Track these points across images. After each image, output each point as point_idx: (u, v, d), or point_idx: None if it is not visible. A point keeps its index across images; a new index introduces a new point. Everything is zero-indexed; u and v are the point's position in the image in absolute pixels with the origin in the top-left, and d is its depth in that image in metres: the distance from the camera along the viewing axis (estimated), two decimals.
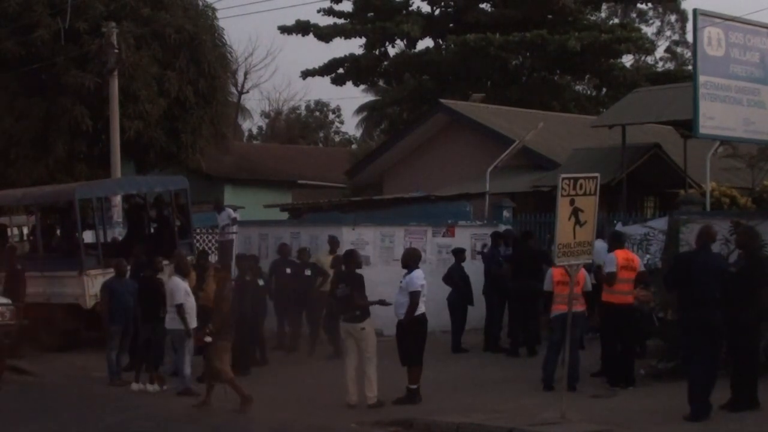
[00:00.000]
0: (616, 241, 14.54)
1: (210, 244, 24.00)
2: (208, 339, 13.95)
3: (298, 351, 18.28)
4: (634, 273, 14.14)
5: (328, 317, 17.57)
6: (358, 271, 14.15)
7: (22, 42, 25.04)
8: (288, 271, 18.68)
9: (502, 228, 20.53)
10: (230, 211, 24.11)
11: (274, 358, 17.66)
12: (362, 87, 45.40)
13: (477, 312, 18.53)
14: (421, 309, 13.57)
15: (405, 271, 13.89)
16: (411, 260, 13.97)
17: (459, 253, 18.74)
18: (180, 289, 15.11)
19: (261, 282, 17.85)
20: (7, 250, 20.09)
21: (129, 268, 16.94)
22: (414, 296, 13.43)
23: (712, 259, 12.09)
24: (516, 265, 17.70)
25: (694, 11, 18.92)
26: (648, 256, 16.62)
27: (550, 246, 18.54)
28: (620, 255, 14.14)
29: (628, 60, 44.42)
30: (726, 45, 18.78)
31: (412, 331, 13.56)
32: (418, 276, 13.61)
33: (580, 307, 13.91)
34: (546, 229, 20.18)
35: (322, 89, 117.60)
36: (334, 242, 18.97)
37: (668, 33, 51.98)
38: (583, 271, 13.46)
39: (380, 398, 13.48)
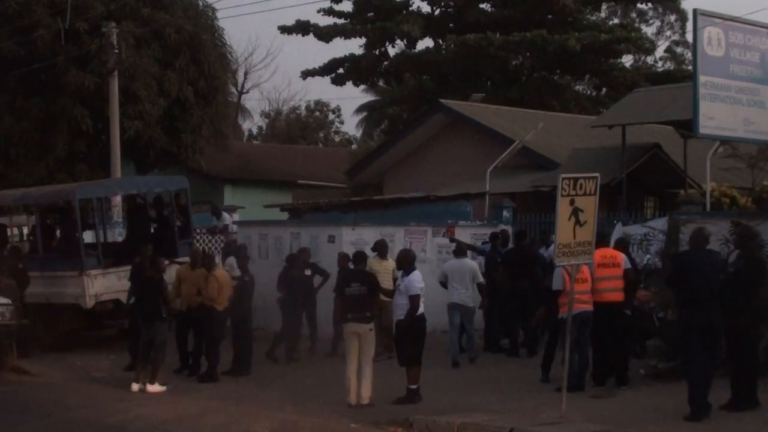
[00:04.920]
0: (598, 240, 14.34)
1: (210, 245, 24.04)
2: None
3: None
4: (617, 270, 13.97)
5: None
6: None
7: (22, 42, 25.02)
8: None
9: (500, 228, 20.54)
10: (226, 215, 24.23)
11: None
12: (362, 87, 45.42)
13: (477, 312, 18.49)
14: (420, 309, 13.57)
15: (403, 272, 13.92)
16: (406, 262, 13.99)
17: (460, 254, 18.68)
18: (475, 268, 16.29)
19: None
20: (10, 250, 20.10)
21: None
22: (414, 300, 13.44)
23: (709, 257, 12.07)
24: (510, 265, 17.68)
25: (694, 11, 18.91)
26: (648, 256, 16.59)
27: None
28: (598, 253, 13.58)
29: (628, 60, 44.47)
30: (726, 45, 18.77)
31: (410, 331, 13.58)
32: (417, 279, 13.61)
33: (587, 305, 13.85)
34: (547, 230, 20.11)
35: (322, 89, 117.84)
36: (382, 245, 17.53)
37: (668, 33, 52.03)
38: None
39: (372, 399, 13.53)
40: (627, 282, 14.14)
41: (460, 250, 17.81)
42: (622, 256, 14.33)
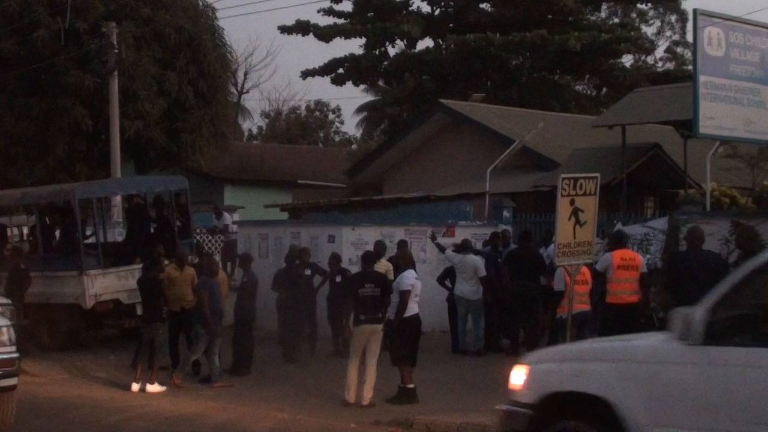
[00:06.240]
0: (617, 241, 14.41)
1: (210, 245, 24.05)
2: None
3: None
4: (635, 273, 14.00)
5: (333, 317, 17.56)
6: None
7: (22, 42, 25.06)
8: (338, 279, 17.85)
9: (501, 228, 20.52)
10: (227, 215, 24.25)
11: (273, 358, 17.67)
12: (362, 87, 45.49)
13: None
14: (414, 309, 13.56)
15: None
16: (403, 261, 14.02)
17: (464, 249, 18.64)
18: (478, 263, 17.06)
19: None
20: (11, 250, 20.09)
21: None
22: (403, 296, 13.45)
23: (705, 257, 12.05)
24: (513, 265, 17.66)
25: (694, 11, 18.89)
26: (648, 256, 16.58)
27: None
28: (617, 255, 13.86)
29: (628, 60, 44.51)
30: (726, 45, 18.75)
31: (403, 330, 13.57)
32: (408, 276, 13.62)
33: (586, 306, 13.85)
34: (549, 230, 20.09)
35: (322, 89, 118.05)
36: (380, 247, 17.25)
37: (668, 33, 52.09)
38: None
39: (372, 399, 13.55)
40: (641, 285, 14.09)
41: (465, 247, 17.82)
42: (641, 259, 14.33)
